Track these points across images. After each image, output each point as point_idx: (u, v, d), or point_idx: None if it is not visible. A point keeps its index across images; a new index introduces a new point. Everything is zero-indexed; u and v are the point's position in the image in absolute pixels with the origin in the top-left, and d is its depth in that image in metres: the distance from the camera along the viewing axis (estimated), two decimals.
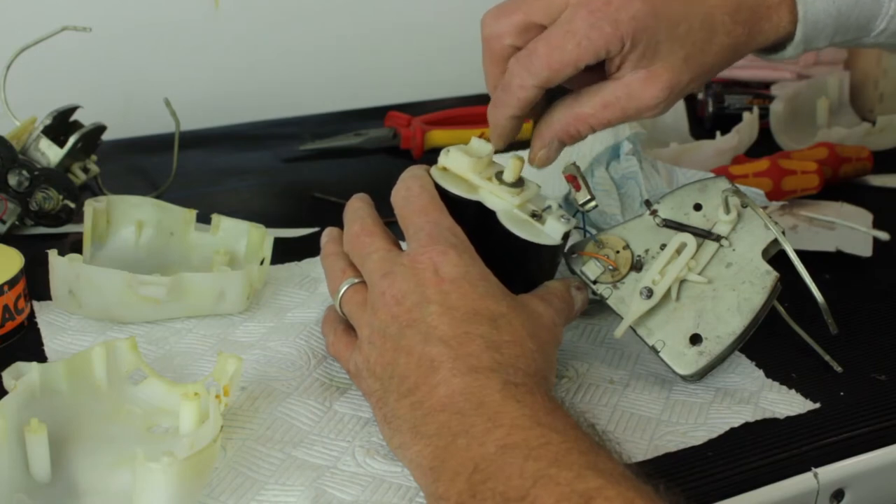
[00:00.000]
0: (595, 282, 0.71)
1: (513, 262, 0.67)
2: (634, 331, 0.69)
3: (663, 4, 0.64)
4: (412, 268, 0.62)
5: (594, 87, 0.66)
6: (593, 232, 0.72)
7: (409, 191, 0.67)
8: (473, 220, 0.67)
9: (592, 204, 0.70)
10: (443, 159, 0.69)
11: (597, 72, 0.67)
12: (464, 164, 0.68)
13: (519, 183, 0.68)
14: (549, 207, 0.68)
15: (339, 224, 0.94)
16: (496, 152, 0.69)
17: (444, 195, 0.68)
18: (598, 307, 0.76)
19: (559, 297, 0.67)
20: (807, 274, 0.67)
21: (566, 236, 0.68)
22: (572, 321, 0.69)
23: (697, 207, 0.71)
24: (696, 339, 0.68)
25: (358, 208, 0.70)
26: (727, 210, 0.69)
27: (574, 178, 0.70)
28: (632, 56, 0.64)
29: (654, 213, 0.71)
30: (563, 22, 0.63)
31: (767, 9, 0.68)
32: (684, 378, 0.68)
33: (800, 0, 0.68)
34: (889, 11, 0.70)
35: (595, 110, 0.66)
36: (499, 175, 0.68)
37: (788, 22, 0.69)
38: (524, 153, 0.69)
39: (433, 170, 0.69)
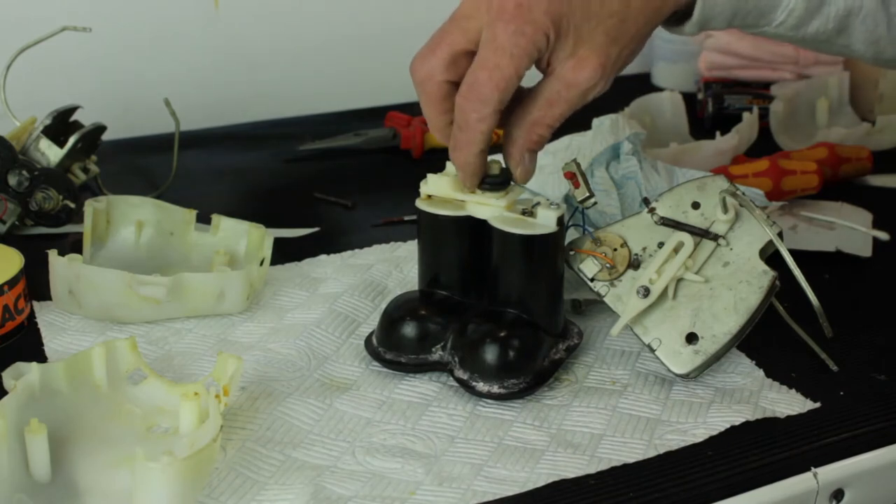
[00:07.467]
0: (592, 279, 0.71)
1: (521, 264, 0.68)
2: (631, 328, 0.69)
3: None
4: None
5: (535, 90, 0.67)
6: (592, 231, 0.72)
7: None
8: (470, 235, 0.69)
9: (592, 201, 0.70)
10: (424, 189, 0.70)
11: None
12: (445, 186, 0.70)
13: (502, 186, 0.69)
14: (538, 203, 0.68)
15: (338, 224, 0.95)
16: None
17: (436, 220, 0.69)
18: (597, 306, 0.76)
19: None
20: (802, 276, 0.67)
21: (561, 222, 0.68)
22: None
23: (696, 206, 0.71)
24: (692, 338, 0.68)
25: None
26: (725, 210, 0.69)
27: (573, 175, 0.70)
28: (559, 46, 0.65)
29: (652, 210, 0.71)
30: (487, 42, 0.64)
31: None
32: (679, 377, 0.68)
33: None
34: (789, 5, 0.72)
35: (543, 111, 0.66)
36: (480, 185, 0.69)
37: None
38: (498, 156, 0.69)
39: (418, 202, 0.70)
